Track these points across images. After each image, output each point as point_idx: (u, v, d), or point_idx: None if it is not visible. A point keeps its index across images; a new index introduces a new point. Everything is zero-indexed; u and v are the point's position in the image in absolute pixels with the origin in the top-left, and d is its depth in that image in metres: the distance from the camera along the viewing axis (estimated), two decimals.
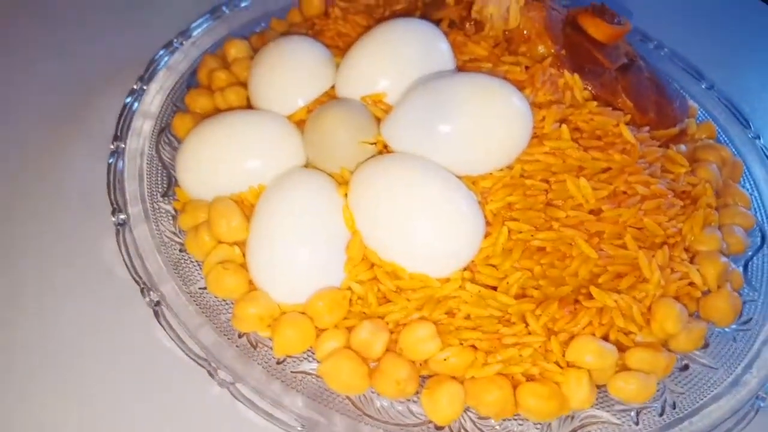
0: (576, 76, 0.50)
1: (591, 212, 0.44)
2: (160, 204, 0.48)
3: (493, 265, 0.41)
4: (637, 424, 0.40)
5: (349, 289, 0.41)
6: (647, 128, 0.51)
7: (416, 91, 0.45)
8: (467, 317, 0.40)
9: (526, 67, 0.50)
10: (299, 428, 0.37)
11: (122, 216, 0.45)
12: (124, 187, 0.47)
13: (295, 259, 0.41)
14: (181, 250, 0.45)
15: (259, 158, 0.46)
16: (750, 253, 0.51)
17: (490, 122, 0.44)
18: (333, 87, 0.50)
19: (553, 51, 0.51)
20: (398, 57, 0.48)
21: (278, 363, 0.40)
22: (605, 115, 0.48)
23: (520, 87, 0.48)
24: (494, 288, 0.41)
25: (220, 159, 0.46)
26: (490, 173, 0.44)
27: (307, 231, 0.42)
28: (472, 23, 0.53)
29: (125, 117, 0.52)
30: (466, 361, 0.38)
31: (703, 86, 0.62)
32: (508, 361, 0.38)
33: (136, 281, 0.42)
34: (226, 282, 0.41)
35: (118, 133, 0.51)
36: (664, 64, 0.63)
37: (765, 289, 0.49)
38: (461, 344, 0.39)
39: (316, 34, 0.57)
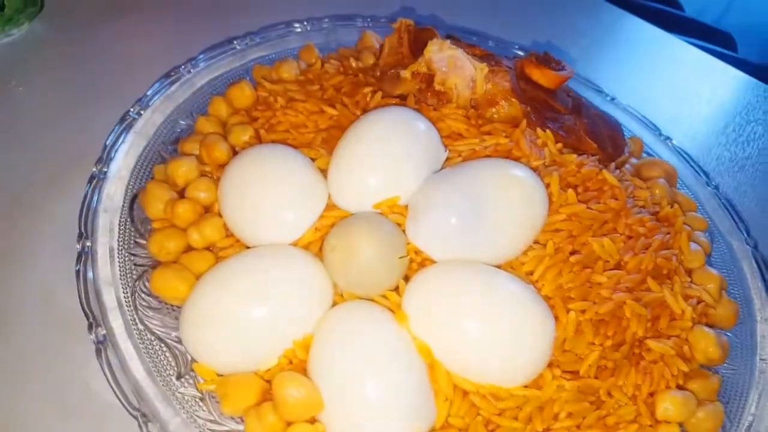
0: (548, 131, 0.52)
1: (616, 266, 0.47)
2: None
3: (567, 350, 0.42)
4: None
5: (448, 424, 0.39)
6: (612, 164, 0.54)
7: (436, 189, 0.44)
8: (569, 415, 0.40)
9: (505, 135, 0.50)
10: None
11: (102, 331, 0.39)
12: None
13: (376, 404, 0.38)
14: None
15: (287, 305, 0.41)
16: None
17: (514, 205, 0.44)
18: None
19: (521, 110, 0.52)
20: (391, 152, 0.45)
21: None
22: (586, 165, 0.51)
23: (514, 158, 0.48)
24: (576, 372, 0.41)
25: (239, 318, 0.40)
26: (524, 254, 0.44)
27: (379, 370, 0.38)
28: (434, 95, 0.52)
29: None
30: None
31: (608, 98, 0.68)
32: None
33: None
34: None
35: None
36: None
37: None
38: None
39: (262, 128, 0.52)
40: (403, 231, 0.44)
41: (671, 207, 0.53)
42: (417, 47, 0.55)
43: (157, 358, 0.40)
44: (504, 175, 0.44)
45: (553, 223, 0.46)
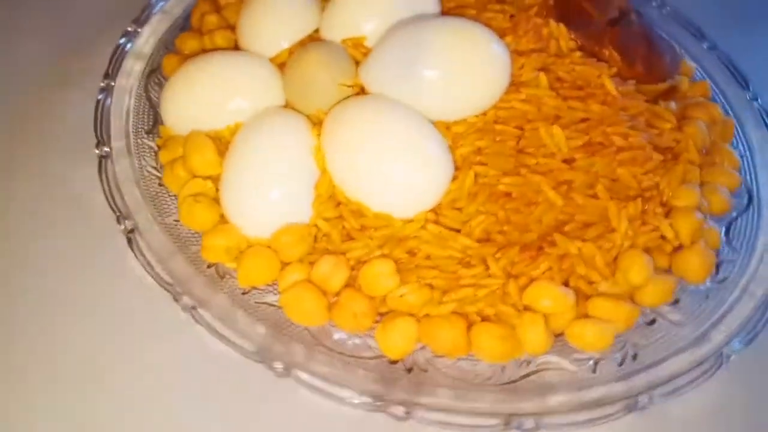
0: (561, 25, 0.49)
1: (564, 161, 0.44)
2: (144, 140, 0.49)
3: (458, 209, 0.42)
4: (594, 372, 0.40)
5: (315, 225, 0.42)
6: (633, 81, 0.50)
7: (395, 34, 0.45)
8: (427, 257, 0.40)
9: (511, 16, 0.49)
10: (257, 355, 0.38)
11: (106, 149, 0.47)
12: (109, 122, 0.49)
13: (266, 194, 0.42)
14: (159, 184, 0.46)
15: (239, 98, 0.46)
16: (734, 214, 0.50)
17: (467, 68, 0.44)
18: (317, 30, 0.50)
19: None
20: (384, 1, 0.48)
21: (243, 293, 0.41)
22: (588, 66, 0.48)
23: (502, 34, 0.47)
24: (458, 231, 0.41)
25: (203, 97, 0.47)
26: (464, 119, 0.44)
27: (279, 168, 0.43)
28: None
29: (117, 57, 0.53)
30: (423, 299, 0.39)
31: (704, 46, 0.61)
32: (463, 300, 0.39)
33: (113, 210, 0.43)
34: (197, 214, 0.42)
35: (109, 72, 0.52)
36: (666, 24, 0.61)
37: (745, 251, 0.48)
38: (419, 282, 0.39)
39: None
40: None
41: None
42: None
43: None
44: (465, 34, 0.44)
45: (507, 100, 0.45)
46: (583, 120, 0.46)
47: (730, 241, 0.48)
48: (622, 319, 0.41)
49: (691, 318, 0.44)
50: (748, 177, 0.52)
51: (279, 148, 0.43)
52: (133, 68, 0.53)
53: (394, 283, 0.39)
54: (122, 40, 0.54)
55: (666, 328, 0.43)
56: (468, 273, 0.40)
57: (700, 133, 0.50)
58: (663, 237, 0.44)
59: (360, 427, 0.38)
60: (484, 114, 0.44)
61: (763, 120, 0.55)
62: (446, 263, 0.40)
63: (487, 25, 0.47)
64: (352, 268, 0.40)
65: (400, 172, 0.41)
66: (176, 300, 0.40)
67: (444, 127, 0.44)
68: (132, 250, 0.42)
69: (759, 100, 0.57)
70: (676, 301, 0.44)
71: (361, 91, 0.46)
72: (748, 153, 0.53)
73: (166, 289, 0.40)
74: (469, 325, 0.39)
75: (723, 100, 0.56)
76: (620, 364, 0.41)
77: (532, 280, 0.40)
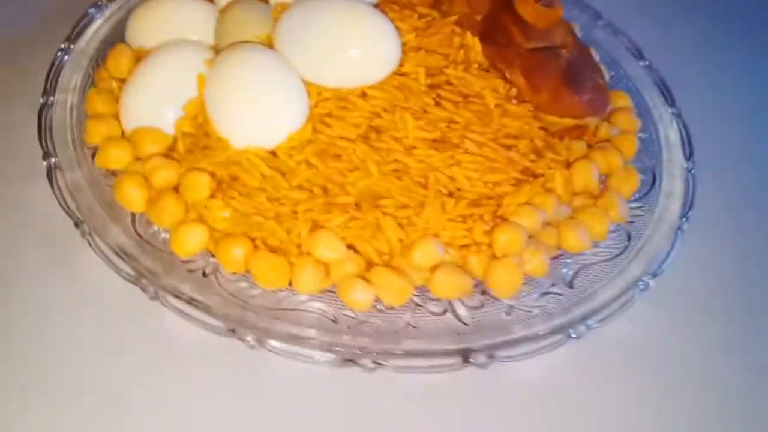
0: (476, 39, 0.53)
1: (406, 149, 0.47)
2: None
3: (291, 155, 0.46)
4: None
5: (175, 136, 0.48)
6: (530, 106, 0.52)
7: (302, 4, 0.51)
8: (243, 185, 0.45)
9: (433, 20, 0.54)
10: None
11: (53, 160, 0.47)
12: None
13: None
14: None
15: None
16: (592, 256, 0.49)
17: (348, 43, 0.49)
18: None
19: (466, 11, 0.54)
20: None
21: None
22: (479, 78, 0.51)
23: (408, 31, 0.52)
24: (283, 174, 0.46)
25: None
26: (336, 89, 0.49)
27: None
28: None
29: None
30: (220, 216, 0.44)
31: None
32: (254, 225, 0.44)
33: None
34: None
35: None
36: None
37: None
38: (224, 200, 0.45)
39: None
40: None
41: None
42: None
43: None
44: (355, 11, 0.49)
45: (382, 83, 0.49)
46: (452, 122, 0.49)
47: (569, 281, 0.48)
48: (395, 290, 0.43)
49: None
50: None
51: (183, 71, 0.50)
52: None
53: (204, 195, 0.45)
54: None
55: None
56: (267, 205, 0.44)
57: (583, 173, 0.51)
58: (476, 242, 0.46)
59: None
60: (355, 89, 0.49)
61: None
62: (255, 193, 0.45)
63: (398, 21, 0.52)
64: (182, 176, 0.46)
65: (255, 107, 0.47)
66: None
67: (315, 91, 0.49)
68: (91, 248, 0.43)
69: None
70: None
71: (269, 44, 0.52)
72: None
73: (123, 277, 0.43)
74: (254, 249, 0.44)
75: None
76: None
77: (318, 228, 0.44)
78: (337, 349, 0.40)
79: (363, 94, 0.49)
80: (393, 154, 0.47)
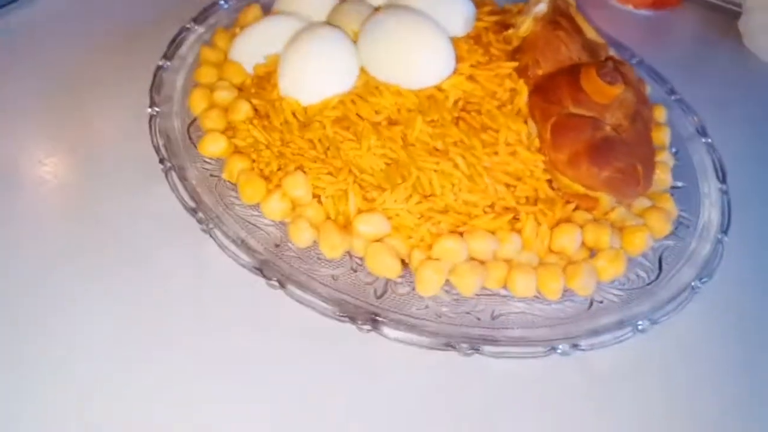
0: (523, 82, 0.57)
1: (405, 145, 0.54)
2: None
3: (313, 114, 0.55)
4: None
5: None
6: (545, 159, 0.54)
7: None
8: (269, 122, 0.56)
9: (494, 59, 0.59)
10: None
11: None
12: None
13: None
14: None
15: None
16: None
17: (403, 49, 0.56)
18: None
19: (528, 62, 0.58)
20: None
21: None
22: (507, 118, 0.55)
23: (464, 59, 0.58)
24: (303, 125, 0.55)
25: None
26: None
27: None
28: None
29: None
30: None
31: None
32: (258, 152, 0.54)
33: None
34: None
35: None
36: None
37: None
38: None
39: None
40: None
41: None
42: None
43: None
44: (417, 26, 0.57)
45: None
46: (460, 141, 0.54)
47: None
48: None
49: None
50: None
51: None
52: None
53: (240, 117, 0.56)
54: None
55: None
56: (277, 143, 0.54)
57: (564, 235, 0.52)
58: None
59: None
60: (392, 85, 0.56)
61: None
62: (274, 130, 0.55)
63: (464, 51, 0.58)
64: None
65: (305, 69, 0.56)
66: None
67: (364, 74, 0.57)
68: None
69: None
70: None
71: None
72: None
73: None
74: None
75: None
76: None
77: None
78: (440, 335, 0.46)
79: (397, 92, 0.56)
80: (391, 143, 0.53)
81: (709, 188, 0.62)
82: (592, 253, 0.53)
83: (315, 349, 0.47)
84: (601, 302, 0.51)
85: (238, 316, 0.48)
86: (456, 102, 0.56)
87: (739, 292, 0.56)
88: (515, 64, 0.58)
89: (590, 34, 0.65)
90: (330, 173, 0.52)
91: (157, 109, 0.57)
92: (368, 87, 0.56)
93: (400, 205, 0.50)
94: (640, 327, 0.49)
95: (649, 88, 0.72)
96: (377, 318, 0.46)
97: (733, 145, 0.67)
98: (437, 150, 0.53)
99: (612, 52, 0.64)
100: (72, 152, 0.59)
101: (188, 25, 0.65)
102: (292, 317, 0.47)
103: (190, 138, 0.57)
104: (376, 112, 0.55)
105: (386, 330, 0.46)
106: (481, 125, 0.55)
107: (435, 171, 0.52)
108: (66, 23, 0.71)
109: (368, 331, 0.46)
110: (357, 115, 0.55)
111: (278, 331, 0.47)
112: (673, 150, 0.65)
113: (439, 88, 0.56)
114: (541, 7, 0.62)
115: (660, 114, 0.67)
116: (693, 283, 0.53)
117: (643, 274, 0.54)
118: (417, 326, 0.46)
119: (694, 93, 0.70)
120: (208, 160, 0.55)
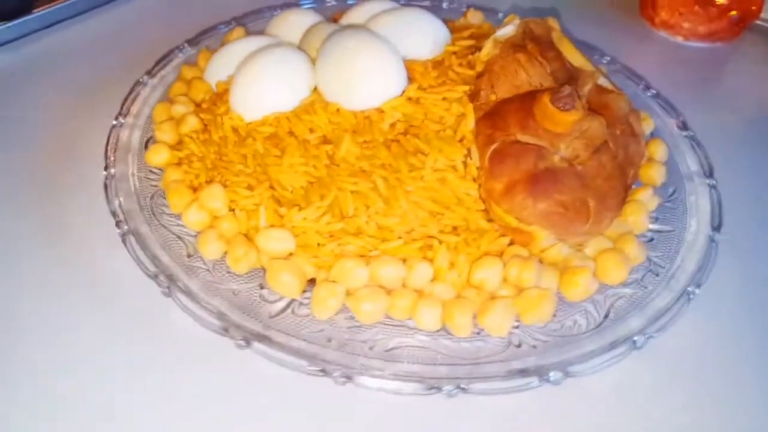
0: (471, 107, 0.54)
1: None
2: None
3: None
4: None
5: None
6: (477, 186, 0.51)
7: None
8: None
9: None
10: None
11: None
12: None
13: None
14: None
15: None
16: None
17: (352, 69, 0.56)
18: None
19: (482, 88, 0.55)
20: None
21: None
22: (443, 143, 0.52)
23: (416, 81, 0.56)
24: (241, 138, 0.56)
25: None
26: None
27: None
28: None
29: None
30: None
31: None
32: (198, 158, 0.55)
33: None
34: None
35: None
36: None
37: None
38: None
39: None
40: None
41: None
42: None
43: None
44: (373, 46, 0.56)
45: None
46: (388, 164, 0.52)
47: None
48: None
49: None
50: None
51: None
52: None
53: (187, 130, 0.58)
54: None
55: None
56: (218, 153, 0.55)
57: (484, 269, 0.48)
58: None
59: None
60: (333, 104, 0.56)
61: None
62: (221, 139, 0.56)
63: (418, 74, 0.57)
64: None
65: (251, 84, 0.57)
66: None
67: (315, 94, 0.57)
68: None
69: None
70: None
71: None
72: None
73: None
74: None
75: None
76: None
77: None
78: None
79: (335, 111, 0.55)
80: (315, 161, 0.52)
81: (696, 235, 0.55)
82: None
83: (194, 358, 0.46)
84: (519, 346, 0.47)
85: (132, 323, 0.49)
86: (393, 124, 0.54)
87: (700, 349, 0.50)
88: (467, 87, 0.56)
89: (577, 61, 0.60)
90: (249, 187, 0.52)
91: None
92: (307, 106, 0.56)
93: (308, 224, 0.49)
94: (551, 378, 0.44)
95: (653, 123, 0.66)
96: (256, 335, 0.44)
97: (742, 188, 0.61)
98: (363, 171, 0.52)
99: (604, 81, 0.58)
100: None
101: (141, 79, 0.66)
102: (181, 326, 0.47)
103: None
104: (311, 131, 0.55)
105: (260, 347, 0.44)
106: (415, 148, 0.52)
107: (352, 192, 0.50)
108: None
109: (243, 347, 0.44)
110: (289, 132, 0.54)
111: (167, 339, 0.48)
112: (670, 190, 0.59)
113: (379, 110, 0.55)
114: (506, 31, 0.59)
115: (656, 150, 0.61)
116: (636, 338, 0.46)
117: (582, 321, 0.49)
118: (297, 349, 0.44)
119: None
120: None
